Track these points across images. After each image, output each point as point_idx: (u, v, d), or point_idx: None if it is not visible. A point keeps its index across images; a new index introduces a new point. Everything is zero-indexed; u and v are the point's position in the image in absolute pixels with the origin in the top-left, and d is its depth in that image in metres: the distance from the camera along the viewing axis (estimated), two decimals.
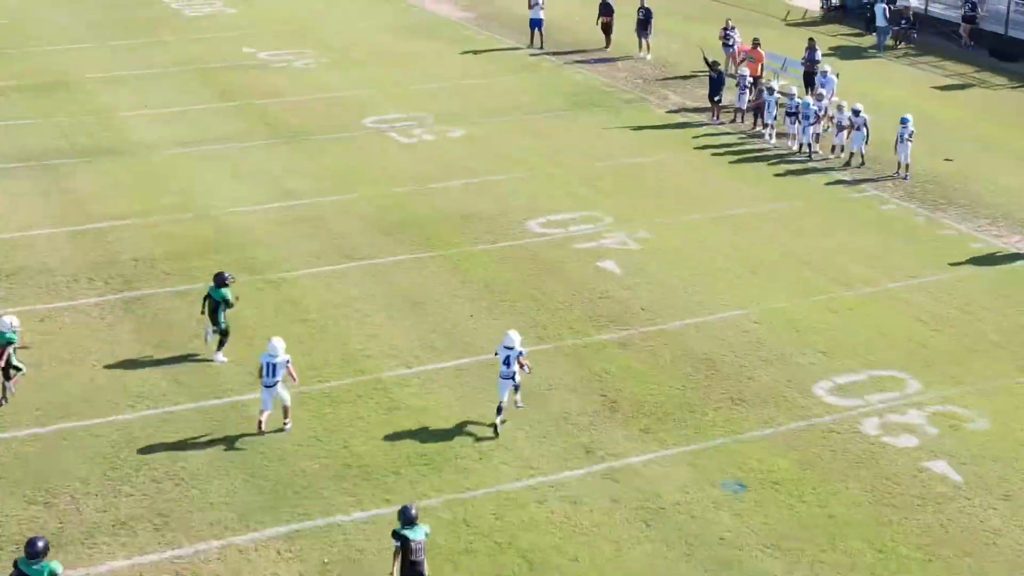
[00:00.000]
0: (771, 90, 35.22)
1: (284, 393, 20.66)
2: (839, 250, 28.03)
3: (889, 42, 45.37)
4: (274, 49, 44.58)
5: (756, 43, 38.84)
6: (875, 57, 44.69)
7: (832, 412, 21.54)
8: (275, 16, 49.84)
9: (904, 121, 32.13)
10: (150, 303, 25.10)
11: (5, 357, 21.03)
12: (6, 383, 21.34)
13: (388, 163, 33.22)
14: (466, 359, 23.12)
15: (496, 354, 20.96)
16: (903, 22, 45.64)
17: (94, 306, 24.97)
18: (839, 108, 33.76)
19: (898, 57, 44.65)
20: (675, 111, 37.96)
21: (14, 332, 21.38)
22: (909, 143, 32.21)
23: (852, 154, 33.26)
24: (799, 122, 34.07)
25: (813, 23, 49.55)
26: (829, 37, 46.46)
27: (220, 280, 22.85)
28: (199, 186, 31.33)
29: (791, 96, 34.45)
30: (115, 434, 20.60)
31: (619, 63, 43.27)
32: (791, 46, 43.28)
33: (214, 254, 27.33)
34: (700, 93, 39.13)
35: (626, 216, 29.74)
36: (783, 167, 33.32)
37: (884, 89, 40.30)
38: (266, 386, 20.43)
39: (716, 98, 36.79)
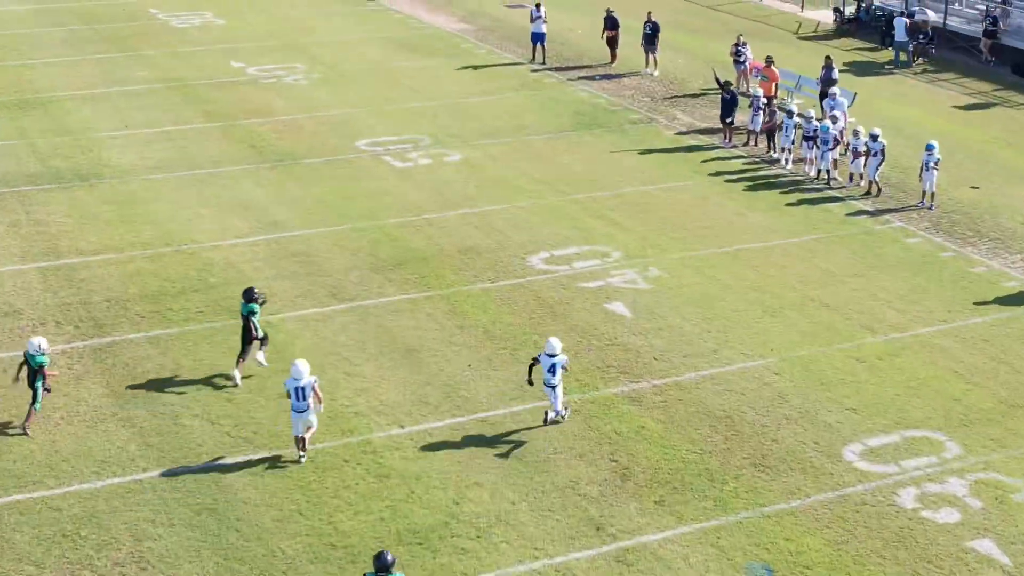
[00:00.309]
0: (791, 113, 33.25)
1: (312, 417, 19.65)
2: (863, 290, 26.12)
3: (905, 57, 43.40)
4: (264, 63, 42.62)
5: (769, 61, 36.95)
6: (891, 73, 42.77)
7: (865, 480, 19.62)
8: (266, 28, 47.90)
9: (930, 148, 30.23)
10: (121, 351, 23.16)
11: (47, 379, 20.52)
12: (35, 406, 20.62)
13: (381, 190, 31.27)
14: (463, 417, 21.21)
15: (537, 360, 20.47)
16: (921, 37, 43.67)
17: (61, 354, 23.00)
18: (855, 133, 31.80)
19: (916, 74, 42.69)
20: (684, 133, 36.04)
21: (43, 354, 20.43)
22: (935, 171, 30.31)
23: (872, 183, 31.33)
24: (817, 147, 32.16)
25: (826, 36, 47.64)
26: (843, 52, 44.53)
27: (249, 296, 22.20)
28: (179, 216, 29.37)
29: (809, 119, 32.53)
30: (77, 507, 18.67)
31: (625, 79, 41.34)
32: (804, 62, 41.49)
33: (192, 294, 25.44)
34: (710, 113, 37.29)
35: (634, 251, 27.83)
36: (801, 195, 31.40)
37: (902, 108, 38.47)
38: (296, 411, 19.52)
39: (728, 119, 34.86)
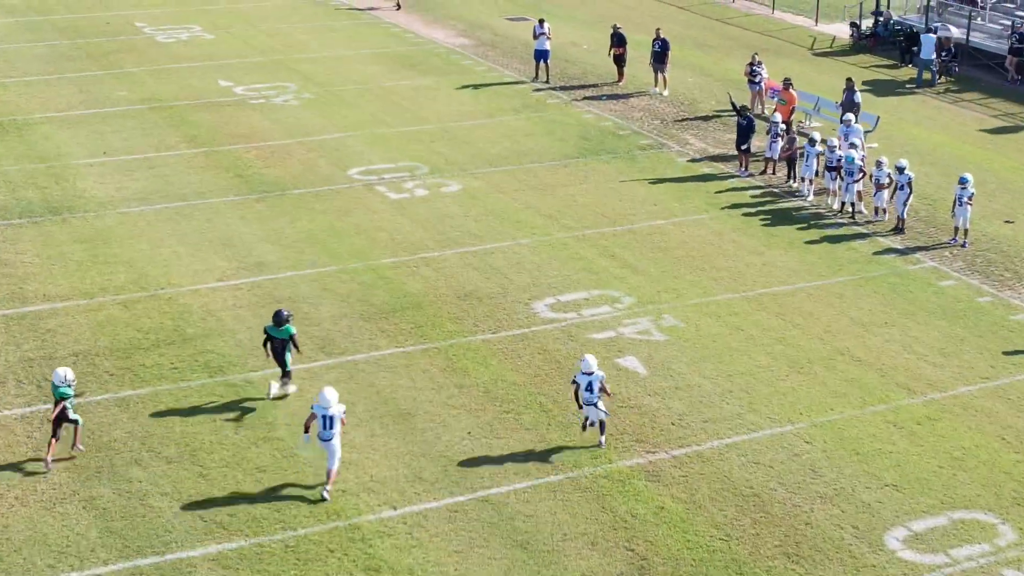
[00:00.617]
0: (814, 141, 31.10)
1: (336, 451, 18.84)
2: (897, 341, 24.04)
3: (928, 75, 41.26)
4: (253, 82, 40.44)
5: (787, 84, 34.80)
6: (913, 93, 40.66)
7: (911, 573, 17.53)
8: (256, 43, 45.69)
9: (963, 181, 28.12)
10: (86, 415, 20.91)
11: (59, 410, 19.46)
12: (55, 441, 19.65)
13: (374, 226, 29.12)
14: (462, 496, 19.11)
15: (574, 381, 20.10)
16: (944, 54, 41.56)
17: (19, 419, 20.92)
18: (878, 164, 29.71)
19: (939, 93, 40.59)
20: (697, 159, 33.92)
21: (68, 386, 19.57)
22: (969, 206, 28.22)
23: (899, 219, 29.23)
24: (841, 178, 30.06)
25: (842, 52, 45.53)
26: (860, 69, 42.51)
27: (281, 318, 21.21)
28: (156, 256, 27.22)
29: (832, 148, 30.40)
30: None
31: (633, 99, 39.21)
32: (821, 82, 39.51)
33: (167, 347, 23.34)
34: (724, 138, 35.25)
35: (648, 296, 25.74)
36: (824, 231, 29.28)
37: (927, 132, 36.41)
38: (322, 439, 18.88)
39: (744, 146, 32.75)
